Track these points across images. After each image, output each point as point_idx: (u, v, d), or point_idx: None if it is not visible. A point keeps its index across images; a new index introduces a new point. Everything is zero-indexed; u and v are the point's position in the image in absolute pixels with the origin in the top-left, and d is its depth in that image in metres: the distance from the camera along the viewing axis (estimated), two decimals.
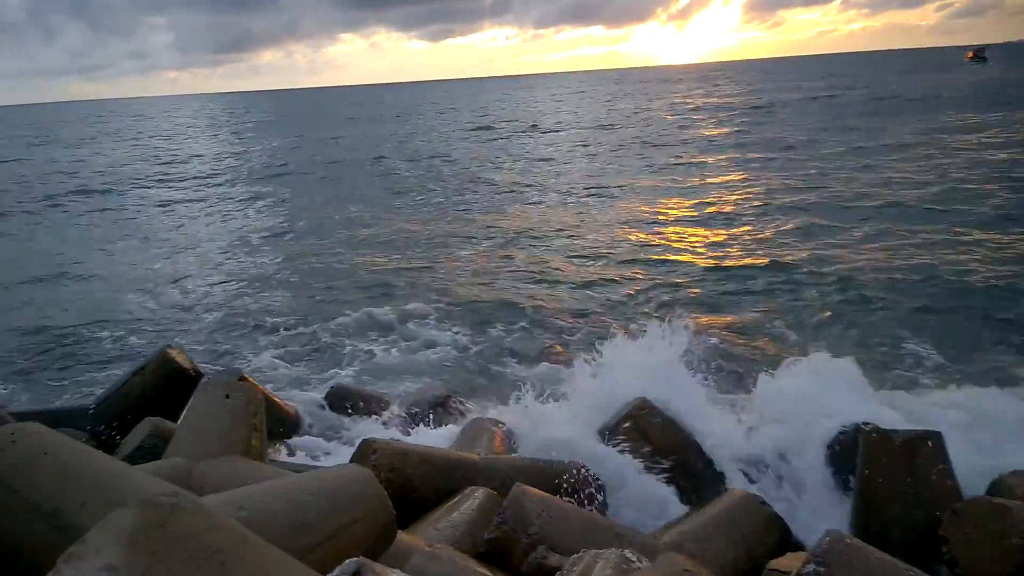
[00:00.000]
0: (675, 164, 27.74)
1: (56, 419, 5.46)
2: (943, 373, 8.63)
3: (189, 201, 25.91)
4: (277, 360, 10.06)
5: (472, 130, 49.28)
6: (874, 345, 9.65)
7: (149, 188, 29.28)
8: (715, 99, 67.46)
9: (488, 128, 49.87)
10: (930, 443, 4.36)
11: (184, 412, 4.78)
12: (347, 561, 1.95)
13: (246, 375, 5.93)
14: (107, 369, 9.90)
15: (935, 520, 4.04)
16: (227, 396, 4.28)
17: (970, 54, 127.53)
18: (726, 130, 38.60)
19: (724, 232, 16.49)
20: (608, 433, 5.16)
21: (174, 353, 6.17)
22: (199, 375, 6.11)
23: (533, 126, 49.70)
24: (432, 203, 22.39)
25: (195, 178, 31.84)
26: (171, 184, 30.37)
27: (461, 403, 6.84)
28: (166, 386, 5.94)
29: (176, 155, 43.28)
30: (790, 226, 16.44)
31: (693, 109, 56.68)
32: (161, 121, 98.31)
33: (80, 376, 9.87)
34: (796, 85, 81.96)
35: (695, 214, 18.75)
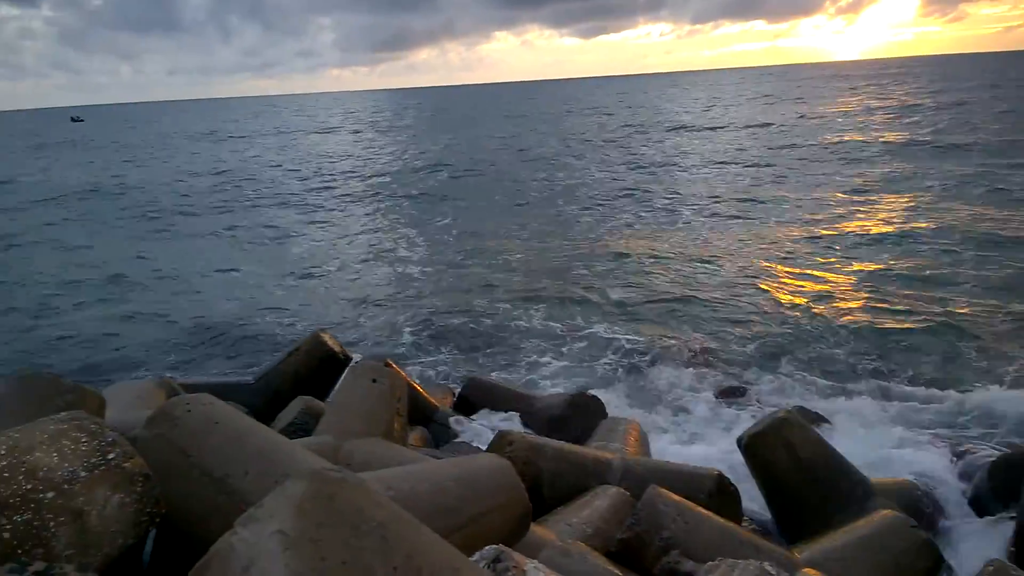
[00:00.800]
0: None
1: (221, 392, 5.97)
2: None
3: (363, 199, 27.12)
4: (423, 350, 10.48)
5: (630, 133, 46.98)
6: None
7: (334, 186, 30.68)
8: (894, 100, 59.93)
9: (642, 131, 47.96)
10: None
11: (333, 392, 5.10)
12: (488, 547, 2.01)
13: (391, 362, 6.22)
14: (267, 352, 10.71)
15: None
16: (374, 380, 4.51)
17: None
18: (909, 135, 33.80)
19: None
20: (745, 443, 4.97)
21: (325, 337, 6.57)
22: (348, 358, 6.48)
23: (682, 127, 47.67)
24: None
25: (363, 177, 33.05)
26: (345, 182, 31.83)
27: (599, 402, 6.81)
28: (317, 367, 6.35)
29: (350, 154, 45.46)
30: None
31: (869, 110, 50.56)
32: (326, 116, 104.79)
33: (245, 356, 10.75)
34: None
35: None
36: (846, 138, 33.92)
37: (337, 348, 6.50)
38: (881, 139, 32.38)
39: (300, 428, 4.97)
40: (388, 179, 31.13)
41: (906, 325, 10.41)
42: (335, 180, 31.70)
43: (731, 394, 7.94)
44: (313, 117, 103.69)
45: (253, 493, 2.34)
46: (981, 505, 5.18)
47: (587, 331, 10.92)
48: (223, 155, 46.84)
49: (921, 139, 31.19)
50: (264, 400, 6.16)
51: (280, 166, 38.79)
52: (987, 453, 6.07)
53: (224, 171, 36.85)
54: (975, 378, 8.55)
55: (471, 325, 11.49)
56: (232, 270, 16.45)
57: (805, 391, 8.33)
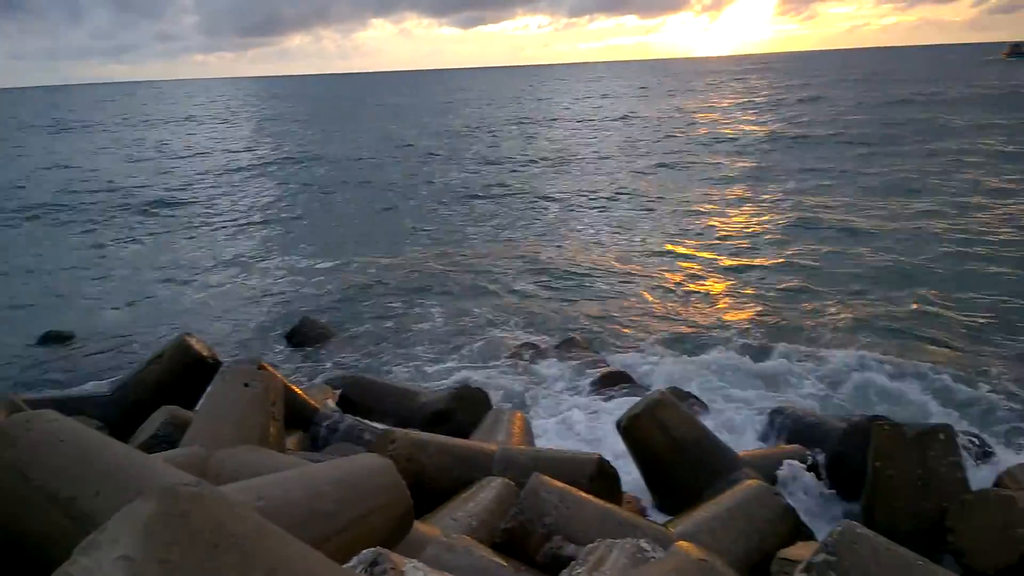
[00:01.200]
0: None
1: (73, 406, 5.52)
2: None
3: (232, 194, 25.82)
4: (302, 351, 10.11)
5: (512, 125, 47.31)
6: None
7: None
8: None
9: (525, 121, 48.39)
10: (941, 436, 4.38)
11: (202, 400, 4.83)
12: (364, 551, 1.96)
13: (265, 364, 5.96)
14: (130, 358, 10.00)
15: (943, 511, 4.14)
16: (246, 384, 4.30)
17: (1006, 51, 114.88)
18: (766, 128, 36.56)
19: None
20: (623, 425, 5.14)
21: (192, 341, 6.21)
22: (218, 363, 6.15)
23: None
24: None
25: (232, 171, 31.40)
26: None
27: (483, 394, 6.82)
28: (183, 373, 5.99)
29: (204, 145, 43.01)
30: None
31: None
32: (188, 104, 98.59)
33: (106, 368, 9.97)
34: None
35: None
36: (718, 131, 35.84)
37: (205, 352, 6.16)
38: (752, 132, 34.57)
39: (164, 440, 4.68)
40: (255, 174, 29.88)
41: (773, 306, 11.19)
42: (194, 177, 29.97)
43: (612, 381, 8.15)
44: (174, 105, 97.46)
45: (105, 515, 2.16)
46: (835, 470, 5.59)
47: (473, 326, 10.95)
48: (59, 148, 43.06)
49: (789, 132, 33.56)
50: (122, 412, 5.75)
51: (130, 160, 36.15)
52: (840, 422, 6.58)
53: (61, 167, 33.73)
54: (831, 351, 9.29)
55: (352, 325, 11.23)
56: (84, 276, 15.29)
57: (684, 373, 8.72)
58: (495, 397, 7.20)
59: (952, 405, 7.62)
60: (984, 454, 5.98)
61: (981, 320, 10.11)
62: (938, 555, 3.94)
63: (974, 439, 6.15)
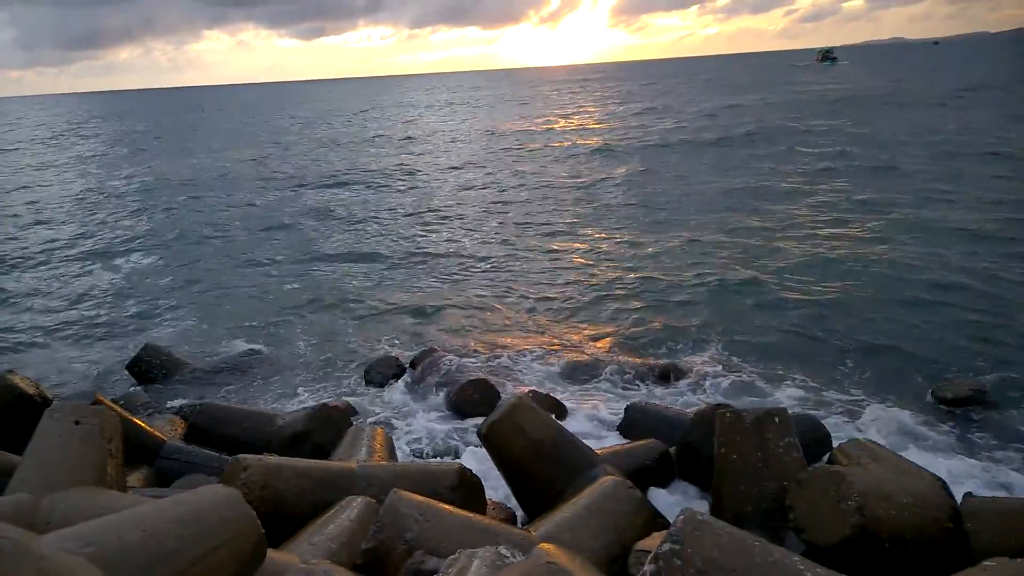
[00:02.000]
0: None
1: None
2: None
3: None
4: (147, 381, 9.41)
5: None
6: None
7: None
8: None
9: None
10: (777, 419, 4.69)
11: (30, 442, 4.42)
12: None
13: (102, 397, 5.56)
14: None
15: (784, 491, 4.35)
16: (77, 422, 3.99)
17: (819, 56, 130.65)
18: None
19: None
20: (483, 433, 5.21)
21: (15, 378, 5.67)
22: (47, 401, 5.65)
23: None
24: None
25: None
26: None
27: (343, 412, 6.67)
28: (6, 413, 5.45)
29: None
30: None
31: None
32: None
33: None
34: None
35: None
36: (567, 143, 37.01)
37: (31, 390, 5.63)
38: (594, 142, 35.92)
39: None
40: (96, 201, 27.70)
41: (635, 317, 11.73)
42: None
43: (474, 391, 8.18)
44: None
45: None
46: (686, 461, 5.94)
47: (334, 347, 10.71)
48: None
49: (645, 139, 35.28)
50: None
51: None
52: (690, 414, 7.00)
53: None
54: (687, 351, 9.87)
55: (201, 352, 10.64)
56: None
57: (542, 378, 8.97)
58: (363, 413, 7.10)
59: (796, 399, 8.26)
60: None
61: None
62: (783, 534, 4.23)
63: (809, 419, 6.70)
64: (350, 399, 8.20)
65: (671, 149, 30.52)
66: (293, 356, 10.41)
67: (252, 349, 10.53)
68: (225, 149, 41.55)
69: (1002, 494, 5.98)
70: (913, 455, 6.26)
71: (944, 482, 4.76)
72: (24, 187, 30.47)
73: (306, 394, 8.90)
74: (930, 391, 8.14)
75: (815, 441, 6.20)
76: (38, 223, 21.98)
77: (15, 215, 23.46)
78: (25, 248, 18.60)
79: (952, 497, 4.55)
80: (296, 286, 14.18)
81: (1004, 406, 7.74)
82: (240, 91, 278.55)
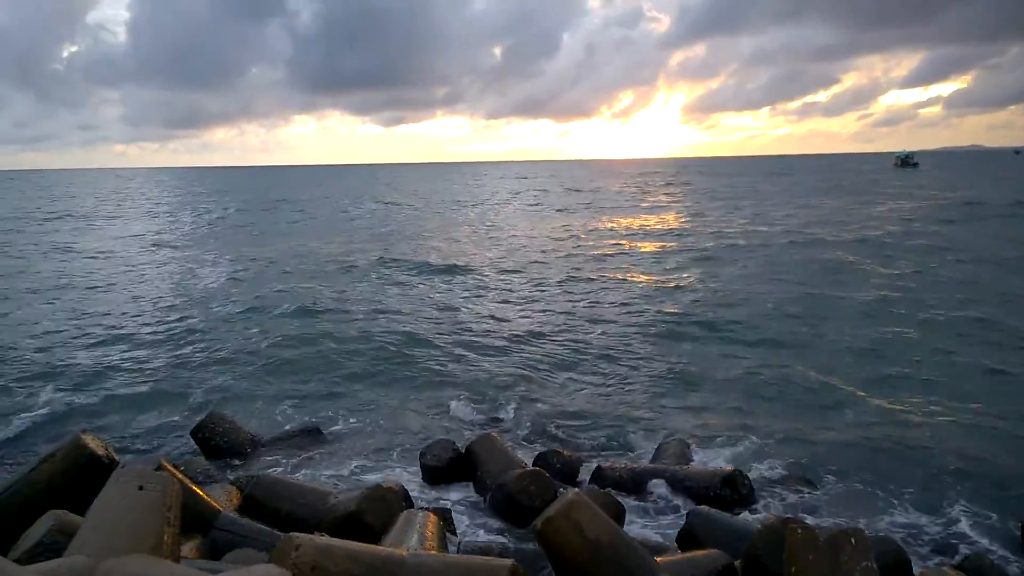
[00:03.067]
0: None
1: None
2: None
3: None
4: (205, 448, 9.59)
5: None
6: None
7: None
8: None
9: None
10: (853, 540, 4.41)
11: (93, 504, 4.51)
12: None
13: (166, 463, 5.65)
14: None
15: None
16: (140, 487, 4.07)
17: (897, 161, 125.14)
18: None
19: None
20: (538, 528, 5.05)
21: (87, 439, 5.84)
22: (114, 463, 5.79)
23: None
24: None
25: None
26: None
27: (396, 494, 6.61)
28: (77, 474, 5.59)
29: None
30: None
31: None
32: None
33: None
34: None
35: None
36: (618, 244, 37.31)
37: (102, 451, 5.79)
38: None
39: (49, 548, 4.32)
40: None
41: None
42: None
43: (530, 483, 8.01)
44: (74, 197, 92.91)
45: None
46: (749, 574, 5.61)
47: (405, 418, 10.78)
48: None
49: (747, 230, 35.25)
50: (9, 518, 5.29)
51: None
52: (753, 523, 6.64)
53: None
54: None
55: (265, 419, 10.85)
56: None
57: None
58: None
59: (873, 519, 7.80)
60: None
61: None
62: None
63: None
64: (404, 481, 8.13)
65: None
66: (352, 432, 10.46)
67: (313, 421, 10.65)
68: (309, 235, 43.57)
69: None
70: None
71: None
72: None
73: (361, 472, 8.88)
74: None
75: (895, 566, 5.79)
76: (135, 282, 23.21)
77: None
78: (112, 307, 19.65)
79: None
80: (359, 361, 14.39)
81: None
82: (323, 171, 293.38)
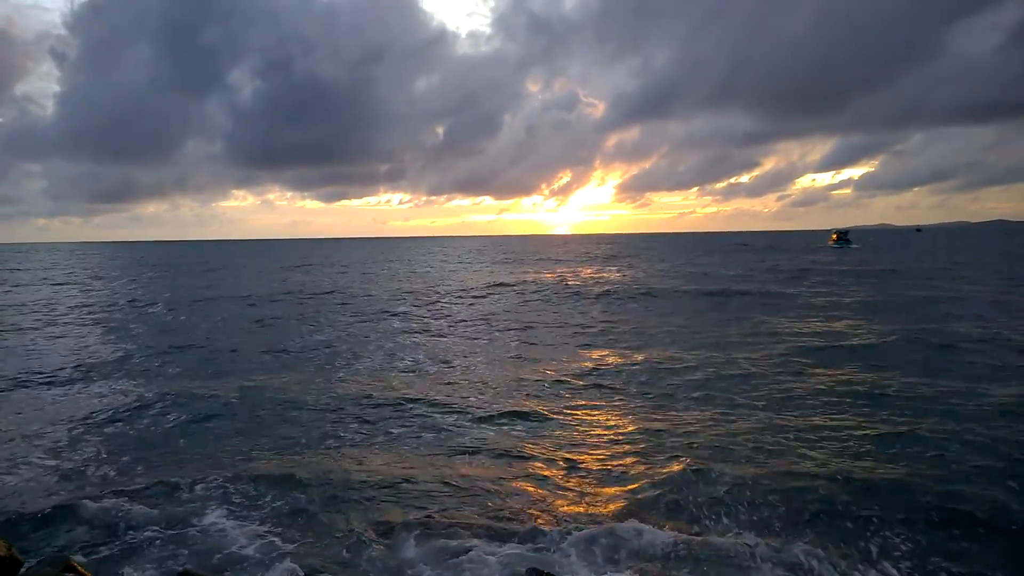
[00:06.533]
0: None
1: None
2: None
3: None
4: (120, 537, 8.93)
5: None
6: None
7: None
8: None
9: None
10: None
11: None
12: None
13: (75, 562, 5.35)
14: None
15: None
16: None
17: (833, 236, 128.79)
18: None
19: None
20: None
21: None
22: (17, 563, 5.43)
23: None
24: None
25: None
26: None
27: None
28: None
29: None
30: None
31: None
32: None
33: None
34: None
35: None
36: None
37: (3, 551, 5.44)
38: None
39: None
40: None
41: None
42: None
43: None
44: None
45: None
46: None
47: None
48: None
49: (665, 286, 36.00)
50: None
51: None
52: None
53: None
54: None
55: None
56: None
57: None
58: None
59: None
60: None
61: None
62: None
63: None
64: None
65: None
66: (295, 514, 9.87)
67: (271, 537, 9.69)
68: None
69: None
70: None
71: None
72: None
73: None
74: None
75: None
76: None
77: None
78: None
79: None
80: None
81: None
82: (261, 245, 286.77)
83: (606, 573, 7.92)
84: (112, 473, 11.86)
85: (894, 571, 8.14)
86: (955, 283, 43.76)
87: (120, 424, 15.01)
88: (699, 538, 8.70)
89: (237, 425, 14.72)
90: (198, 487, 10.88)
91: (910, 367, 18.85)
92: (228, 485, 11.00)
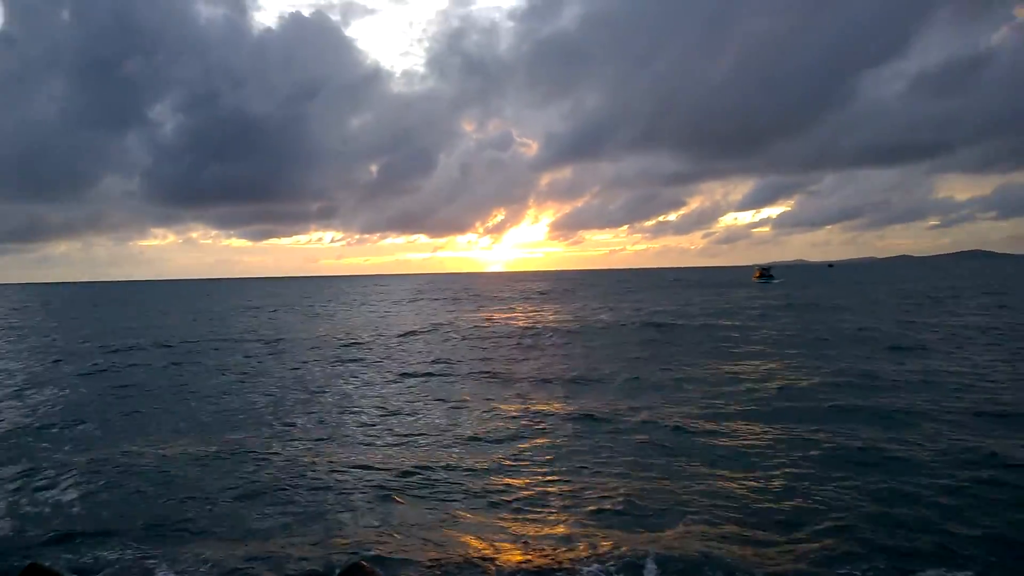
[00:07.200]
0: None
1: None
2: None
3: None
4: None
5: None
6: None
7: None
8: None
9: None
10: None
11: None
12: None
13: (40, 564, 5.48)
14: None
15: None
16: None
17: (757, 273, 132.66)
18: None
19: None
20: None
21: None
22: None
23: None
24: None
25: None
26: None
27: None
28: None
29: None
30: None
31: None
32: None
33: None
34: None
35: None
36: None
37: None
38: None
39: None
40: None
41: None
42: None
43: None
44: None
45: None
46: None
47: (232, 549, 10.13)
48: None
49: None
50: None
51: None
52: None
53: None
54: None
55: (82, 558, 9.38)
56: None
57: None
58: None
59: None
60: None
61: None
62: None
63: None
64: None
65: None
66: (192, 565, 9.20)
67: (143, 552, 9.59)
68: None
69: None
70: None
71: None
72: None
73: None
74: None
75: None
76: None
77: None
78: None
79: None
80: (198, 475, 13.28)
81: None
82: (183, 286, 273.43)
83: None
84: None
85: None
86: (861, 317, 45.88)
87: None
88: None
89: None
90: None
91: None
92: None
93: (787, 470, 12.65)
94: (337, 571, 8.30)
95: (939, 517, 10.25)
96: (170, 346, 38.34)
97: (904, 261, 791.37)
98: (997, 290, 74.66)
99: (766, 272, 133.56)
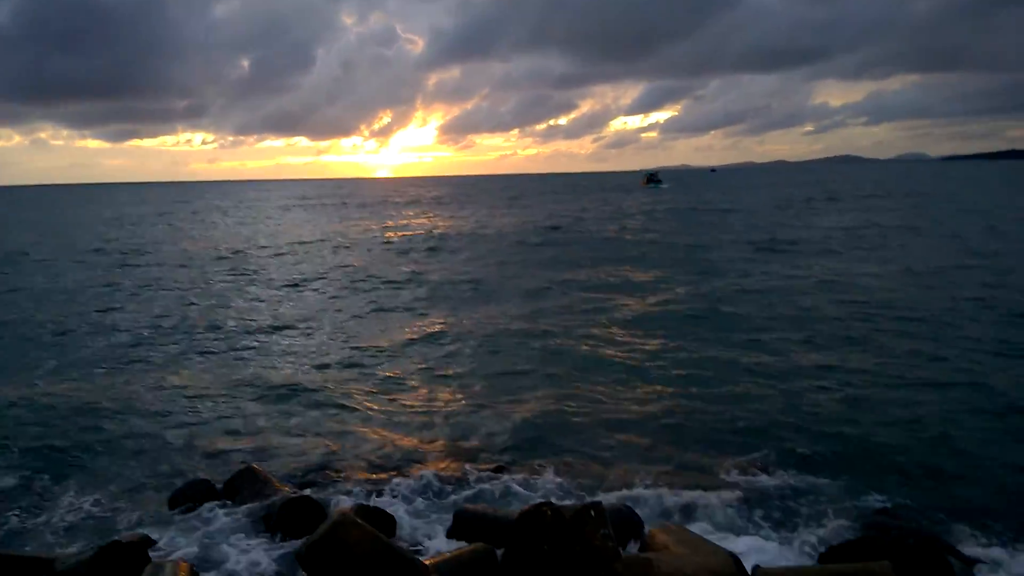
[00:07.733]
0: None
1: None
2: None
3: None
4: None
5: None
6: None
7: None
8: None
9: None
10: (593, 512, 4.99)
11: None
12: None
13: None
14: None
15: None
16: None
17: (645, 180, 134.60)
18: None
19: None
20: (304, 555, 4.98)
21: None
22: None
23: None
24: None
25: None
26: None
27: (137, 546, 6.04)
28: None
29: None
30: None
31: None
32: None
33: None
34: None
35: None
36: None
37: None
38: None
39: None
40: None
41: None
42: None
43: (297, 510, 7.71)
44: None
45: None
46: (511, 558, 5.96)
47: (118, 466, 9.67)
48: None
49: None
50: None
51: None
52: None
53: None
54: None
55: None
56: None
57: (371, 491, 8.57)
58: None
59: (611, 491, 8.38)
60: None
61: None
62: None
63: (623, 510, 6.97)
64: (149, 530, 7.38)
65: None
66: (82, 481, 9.15)
67: (26, 473, 9.32)
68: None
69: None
70: (712, 535, 6.69)
71: (737, 557, 5.24)
72: None
73: (96, 528, 7.82)
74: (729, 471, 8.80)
75: (628, 528, 6.52)
76: None
77: None
78: None
79: (744, 570, 5.02)
80: (84, 394, 12.86)
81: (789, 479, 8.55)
82: (32, 192, 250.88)
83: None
84: None
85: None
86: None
87: None
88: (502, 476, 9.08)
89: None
90: None
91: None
92: None
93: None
94: (229, 476, 8.57)
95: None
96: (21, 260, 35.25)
97: (781, 166, 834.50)
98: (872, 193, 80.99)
99: (654, 177, 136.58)
